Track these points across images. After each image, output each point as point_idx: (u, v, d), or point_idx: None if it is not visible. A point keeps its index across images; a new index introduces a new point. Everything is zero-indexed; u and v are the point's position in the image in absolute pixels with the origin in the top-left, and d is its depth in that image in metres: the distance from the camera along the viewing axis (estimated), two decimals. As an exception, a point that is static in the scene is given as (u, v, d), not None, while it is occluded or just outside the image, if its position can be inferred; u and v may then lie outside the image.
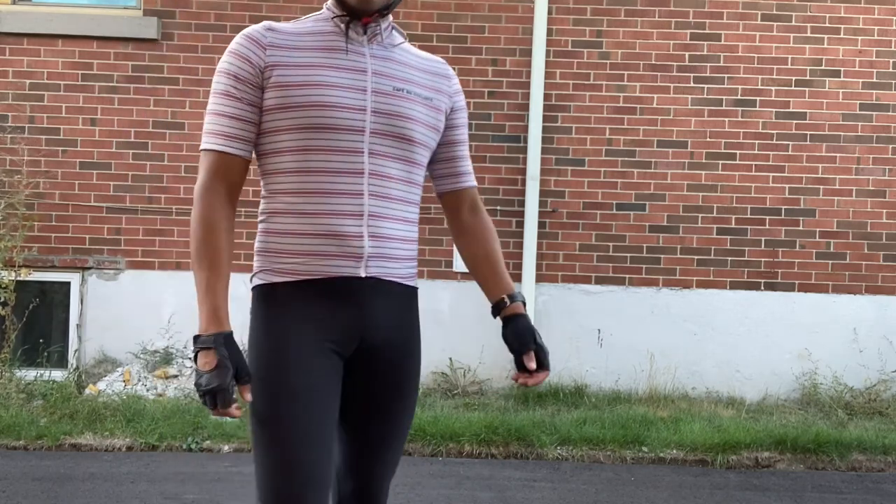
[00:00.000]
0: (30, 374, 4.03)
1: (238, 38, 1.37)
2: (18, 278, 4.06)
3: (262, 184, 1.40)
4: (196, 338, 1.29)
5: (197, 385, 1.26)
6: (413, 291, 1.43)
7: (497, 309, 1.47)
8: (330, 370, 1.33)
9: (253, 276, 1.38)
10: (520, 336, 1.44)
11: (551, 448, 3.49)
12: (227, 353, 1.26)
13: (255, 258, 1.38)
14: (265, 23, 1.38)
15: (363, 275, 1.34)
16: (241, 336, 1.30)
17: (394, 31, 1.44)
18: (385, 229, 1.37)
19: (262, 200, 1.40)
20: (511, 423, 3.58)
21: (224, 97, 1.34)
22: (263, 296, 1.35)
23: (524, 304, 1.47)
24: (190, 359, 4.31)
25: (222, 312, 1.29)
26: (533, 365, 1.42)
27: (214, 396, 1.24)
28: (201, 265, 1.31)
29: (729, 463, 3.47)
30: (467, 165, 1.54)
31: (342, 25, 1.37)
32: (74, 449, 3.38)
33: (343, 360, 1.36)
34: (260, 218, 1.40)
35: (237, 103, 1.34)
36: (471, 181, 1.53)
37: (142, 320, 4.35)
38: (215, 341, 1.26)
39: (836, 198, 4.58)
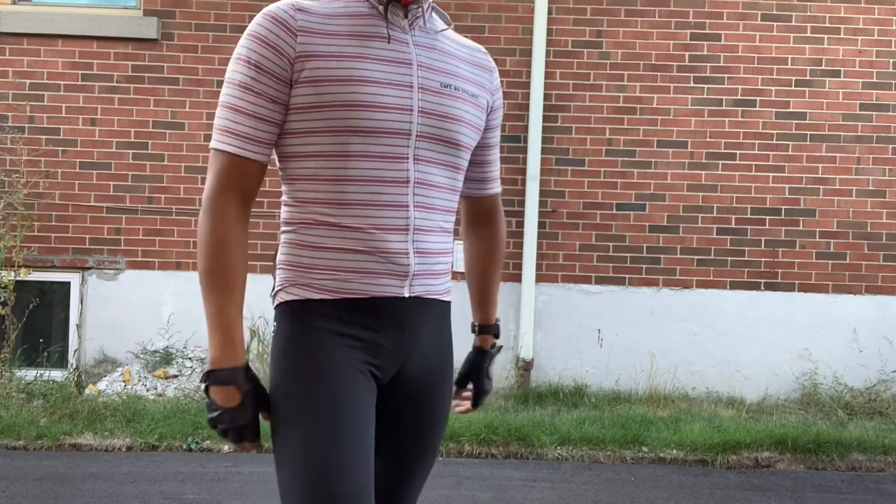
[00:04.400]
0: (30, 374, 4.03)
1: (260, 18, 1.14)
2: (18, 278, 4.06)
3: (284, 188, 1.23)
4: (209, 373, 1.15)
5: (216, 420, 1.14)
6: (448, 306, 1.31)
7: (472, 328, 1.50)
8: (371, 393, 1.20)
9: (278, 290, 1.22)
10: (471, 369, 1.46)
11: (551, 448, 3.49)
12: (250, 387, 1.15)
13: (280, 271, 1.22)
14: (291, 0, 1.15)
15: (406, 294, 1.20)
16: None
17: (435, 15, 1.24)
18: (429, 244, 1.23)
19: (284, 208, 1.23)
20: (511, 423, 3.58)
21: (242, 90, 1.13)
22: (296, 312, 1.18)
23: (496, 335, 1.48)
24: (189, 359, 4.31)
25: (237, 341, 1.15)
26: (467, 400, 1.46)
27: (240, 433, 1.15)
28: (212, 288, 1.14)
29: (729, 463, 3.47)
30: (495, 171, 1.42)
31: (381, 7, 1.17)
32: (74, 449, 3.38)
33: (378, 385, 1.22)
34: (285, 228, 1.22)
35: (258, 99, 1.13)
36: (496, 188, 1.43)
37: (142, 320, 4.35)
38: (235, 377, 1.13)
39: (836, 198, 4.58)
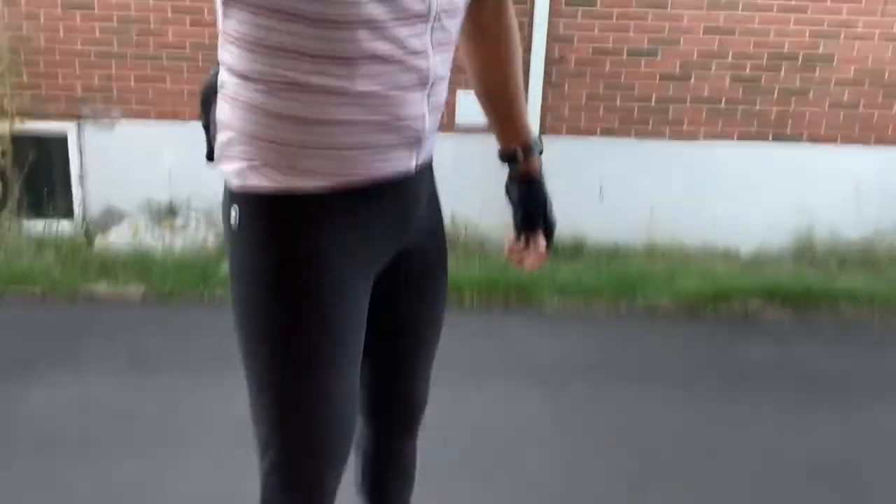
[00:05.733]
0: (37, 225, 4.09)
1: None
2: (14, 127, 3.99)
3: (234, 21, 0.88)
4: None
5: None
6: (431, 160, 1.12)
7: (507, 159, 1.18)
8: (366, 300, 1.04)
9: (243, 170, 0.93)
10: (527, 205, 1.17)
11: (550, 300, 3.62)
12: None
13: (242, 143, 0.92)
14: None
15: (414, 166, 1.01)
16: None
17: None
18: (440, 96, 1.01)
19: (238, 51, 0.89)
20: (511, 276, 3.68)
21: None
22: (277, 205, 0.93)
23: (541, 153, 1.18)
24: (195, 211, 4.35)
25: None
26: (541, 244, 1.18)
27: None
28: None
29: (719, 312, 3.62)
30: None
31: None
32: (90, 300, 3.51)
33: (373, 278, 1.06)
34: (244, 83, 0.90)
35: None
36: None
37: (143, 172, 4.33)
38: None
39: (856, 42, 4.35)
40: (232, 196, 0.96)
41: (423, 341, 1.22)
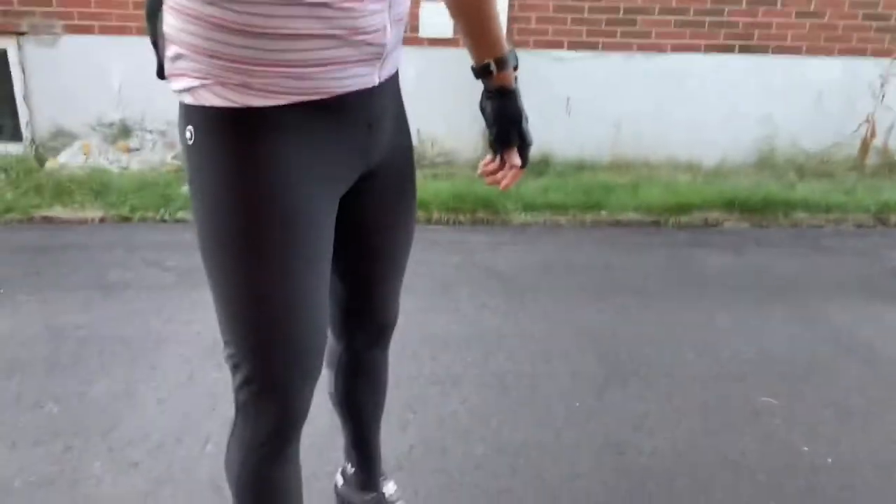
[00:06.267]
0: (-17, 148, 3.92)
1: None
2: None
3: None
4: None
5: None
6: (398, 71, 1.08)
7: (481, 74, 1.14)
8: (332, 221, 1.02)
9: (194, 87, 0.89)
10: (502, 120, 1.15)
11: (516, 214, 3.65)
12: None
13: (189, 56, 0.88)
14: None
15: (377, 82, 0.97)
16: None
17: None
18: (402, 6, 0.97)
19: None
20: (478, 191, 3.68)
21: None
22: (230, 123, 0.89)
23: (516, 67, 1.14)
24: (149, 132, 4.20)
25: None
26: (516, 161, 1.17)
27: None
28: None
29: (680, 223, 3.69)
30: None
31: None
32: (47, 222, 3.41)
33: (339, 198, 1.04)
34: None
35: None
36: None
37: (91, 91, 4.14)
38: None
39: (833, -55, 4.28)
40: (185, 113, 0.93)
41: (393, 259, 1.21)
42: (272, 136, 0.90)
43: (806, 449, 1.90)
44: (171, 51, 0.90)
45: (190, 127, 0.91)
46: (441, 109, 4.18)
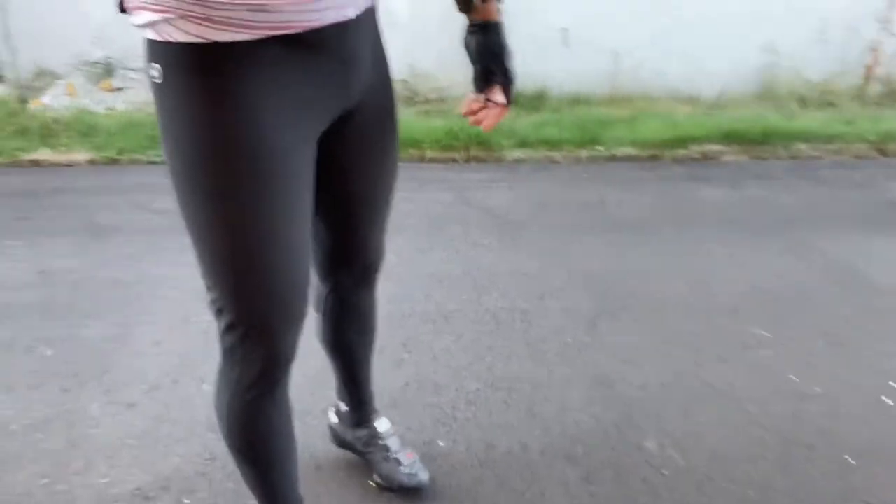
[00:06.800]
0: (-35, 89, 3.82)
1: None
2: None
3: None
4: None
5: None
6: (374, 6, 1.04)
7: (463, 6, 1.10)
8: (311, 163, 0.99)
9: (157, 22, 0.84)
10: (486, 56, 1.09)
11: (510, 151, 3.59)
12: None
13: None
14: None
15: (353, 14, 0.93)
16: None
17: None
18: None
19: None
20: (471, 128, 3.55)
21: None
22: (197, 60, 0.84)
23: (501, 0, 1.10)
24: (133, 70, 4.09)
25: None
26: (500, 98, 1.11)
27: None
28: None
29: (678, 157, 3.64)
30: None
31: None
32: (34, 165, 3.37)
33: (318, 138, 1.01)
34: None
35: None
36: None
37: (73, 29, 4.00)
38: None
39: None
40: (150, 49, 0.87)
41: (375, 199, 1.18)
42: (243, 72, 0.85)
43: (794, 378, 1.92)
44: None
45: (156, 65, 0.87)
46: (434, 44, 4.05)
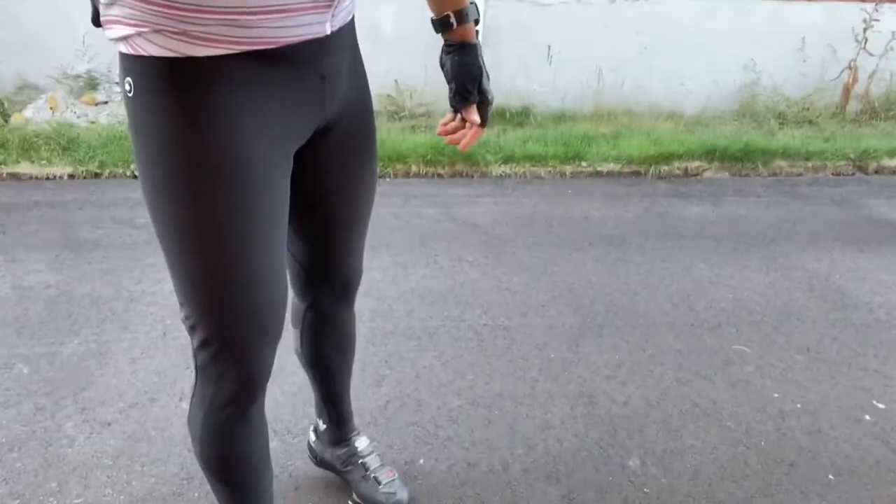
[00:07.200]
0: (-56, 103, 3.78)
1: None
2: None
3: None
4: None
5: None
6: (353, 20, 1.04)
7: (440, 26, 1.10)
8: (286, 177, 0.98)
9: (130, 36, 0.84)
10: (462, 76, 1.09)
11: (495, 166, 3.60)
12: None
13: (124, 7, 0.83)
14: None
15: (329, 31, 0.93)
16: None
17: None
18: None
19: None
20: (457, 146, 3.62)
21: None
22: (170, 74, 0.84)
23: (477, 21, 1.11)
24: (117, 84, 4.07)
25: None
26: (475, 119, 1.10)
27: None
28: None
29: (660, 173, 3.67)
30: None
31: None
32: (13, 178, 3.33)
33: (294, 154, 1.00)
34: None
35: None
36: None
37: (56, 42, 3.99)
38: None
39: None
40: (123, 63, 0.87)
41: (352, 215, 1.17)
42: (217, 88, 0.85)
43: (776, 395, 1.93)
44: None
45: (129, 79, 0.86)
46: (419, 60, 4.08)
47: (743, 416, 1.84)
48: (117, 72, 0.94)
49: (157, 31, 0.82)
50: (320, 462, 1.56)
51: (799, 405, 1.89)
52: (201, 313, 0.95)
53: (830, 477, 1.63)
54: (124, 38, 0.85)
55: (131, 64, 0.85)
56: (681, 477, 1.62)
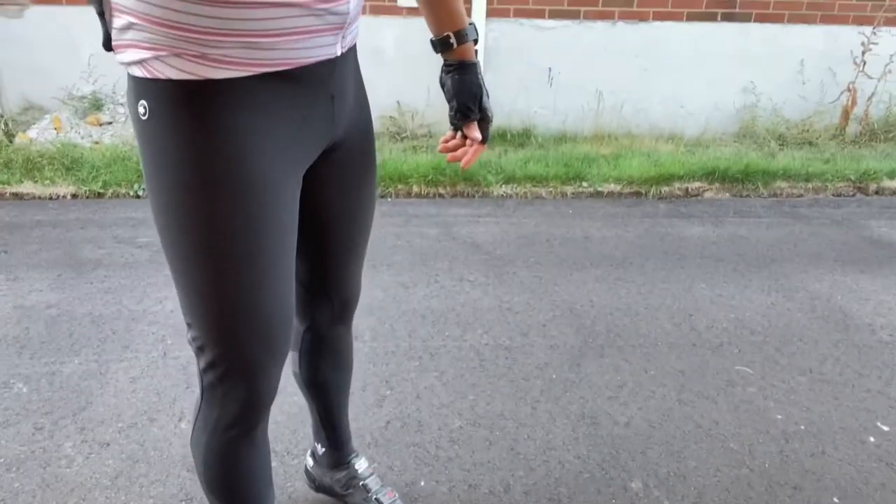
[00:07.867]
0: (-50, 123, 3.81)
1: None
2: None
3: None
4: None
5: None
6: (355, 45, 1.06)
7: (440, 46, 1.12)
8: (296, 198, 0.99)
9: (147, 59, 0.84)
10: (462, 94, 1.11)
11: (496, 187, 3.62)
12: None
13: (140, 31, 0.83)
14: None
15: (339, 52, 0.95)
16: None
17: None
18: None
19: None
20: (458, 164, 3.63)
21: None
22: (187, 96, 0.84)
23: (476, 41, 1.13)
24: (121, 105, 4.10)
25: None
26: (477, 135, 1.13)
27: None
28: None
29: (661, 194, 3.68)
30: None
31: None
32: (17, 198, 3.34)
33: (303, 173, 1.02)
34: None
35: None
36: None
37: (61, 63, 4.03)
38: None
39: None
40: (136, 86, 0.87)
41: (352, 235, 1.19)
42: (233, 110, 0.86)
43: (779, 417, 1.91)
44: (120, 21, 0.85)
45: (143, 101, 0.87)
46: (420, 82, 4.11)
47: (746, 437, 1.82)
48: (124, 94, 0.94)
49: (175, 55, 0.83)
50: (319, 487, 1.55)
51: (802, 427, 1.88)
52: (210, 334, 0.95)
53: (835, 500, 1.61)
54: (139, 62, 0.85)
55: (147, 87, 0.86)
56: (684, 500, 1.60)
